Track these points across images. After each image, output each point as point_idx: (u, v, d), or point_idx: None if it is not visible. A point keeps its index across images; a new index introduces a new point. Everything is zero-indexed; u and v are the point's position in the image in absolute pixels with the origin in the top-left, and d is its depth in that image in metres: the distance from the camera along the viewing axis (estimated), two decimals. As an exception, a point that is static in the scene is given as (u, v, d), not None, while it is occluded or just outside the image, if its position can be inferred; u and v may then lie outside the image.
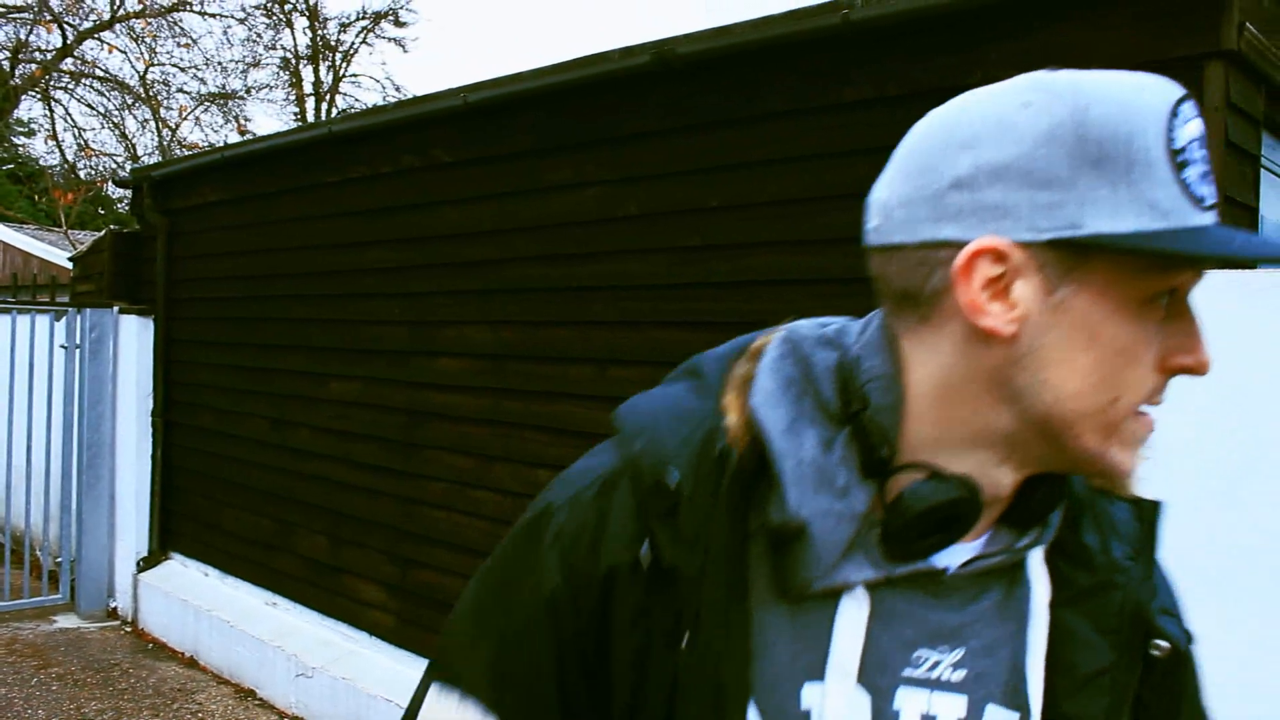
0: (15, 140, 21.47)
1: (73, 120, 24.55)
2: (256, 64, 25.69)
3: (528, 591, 0.87)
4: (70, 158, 23.16)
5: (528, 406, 4.61)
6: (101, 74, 23.40)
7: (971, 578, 0.87)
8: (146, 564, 7.31)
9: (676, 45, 3.77)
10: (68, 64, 22.89)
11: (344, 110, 25.06)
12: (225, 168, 6.71)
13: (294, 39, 26.00)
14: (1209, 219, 0.77)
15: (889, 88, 3.29)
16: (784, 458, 0.83)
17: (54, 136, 23.56)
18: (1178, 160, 0.75)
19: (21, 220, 16.11)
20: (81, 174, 22.14)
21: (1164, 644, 0.90)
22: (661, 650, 0.82)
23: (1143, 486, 0.85)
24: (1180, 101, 0.77)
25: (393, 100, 18.93)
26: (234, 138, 22.63)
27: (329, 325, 5.86)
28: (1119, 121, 0.75)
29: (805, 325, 0.91)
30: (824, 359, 0.87)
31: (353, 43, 26.52)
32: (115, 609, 7.52)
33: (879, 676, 0.83)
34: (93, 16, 22.68)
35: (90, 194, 18.58)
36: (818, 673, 0.82)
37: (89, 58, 23.32)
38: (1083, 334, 0.77)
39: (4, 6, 22.27)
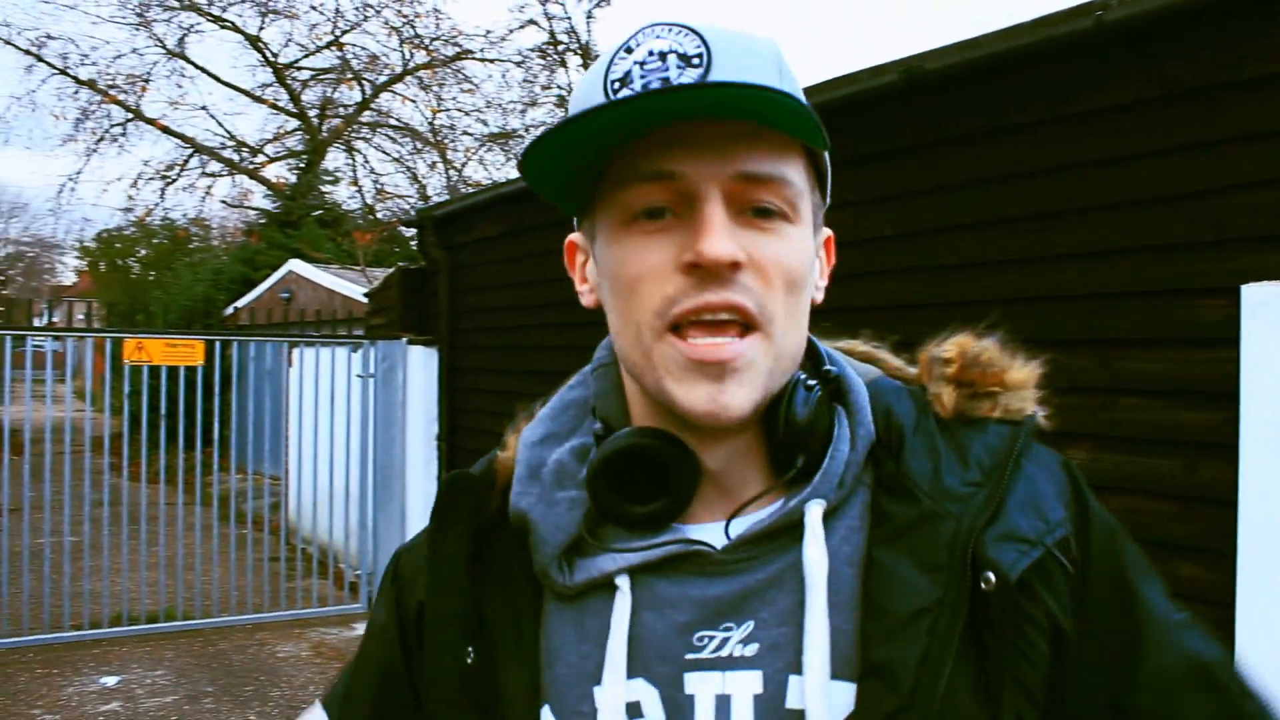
0: (322, 188, 23.57)
1: (370, 167, 26.65)
2: (534, 103, 26.97)
3: (372, 626, 0.98)
4: (369, 201, 25.20)
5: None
6: (395, 123, 25.35)
7: (751, 547, 0.82)
8: (433, 578, 7.80)
9: (925, 61, 3.71)
10: (366, 116, 24.94)
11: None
12: (499, 204, 7.12)
13: (568, 77, 27.10)
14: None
15: (1148, 90, 3.11)
16: (521, 464, 0.90)
17: (355, 183, 25.71)
18: (613, 89, 0.78)
19: (327, 261, 17.64)
20: (379, 216, 24.02)
21: (990, 576, 0.76)
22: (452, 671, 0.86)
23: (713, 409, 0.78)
24: (635, 34, 0.80)
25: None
26: (514, 175, 23.87)
27: (592, 352, 6.08)
28: (579, 86, 0.84)
29: (596, 350, 0.97)
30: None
31: (621, 77, 27.34)
32: (406, 619, 8.06)
33: (661, 665, 0.80)
34: (387, 71, 24.62)
35: (385, 234, 20.12)
36: (601, 675, 0.81)
37: (384, 108, 25.32)
38: (606, 279, 0.84)
39: (313, 70, 24.56)
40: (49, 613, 7.01)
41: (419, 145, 25.67)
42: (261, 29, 23.69)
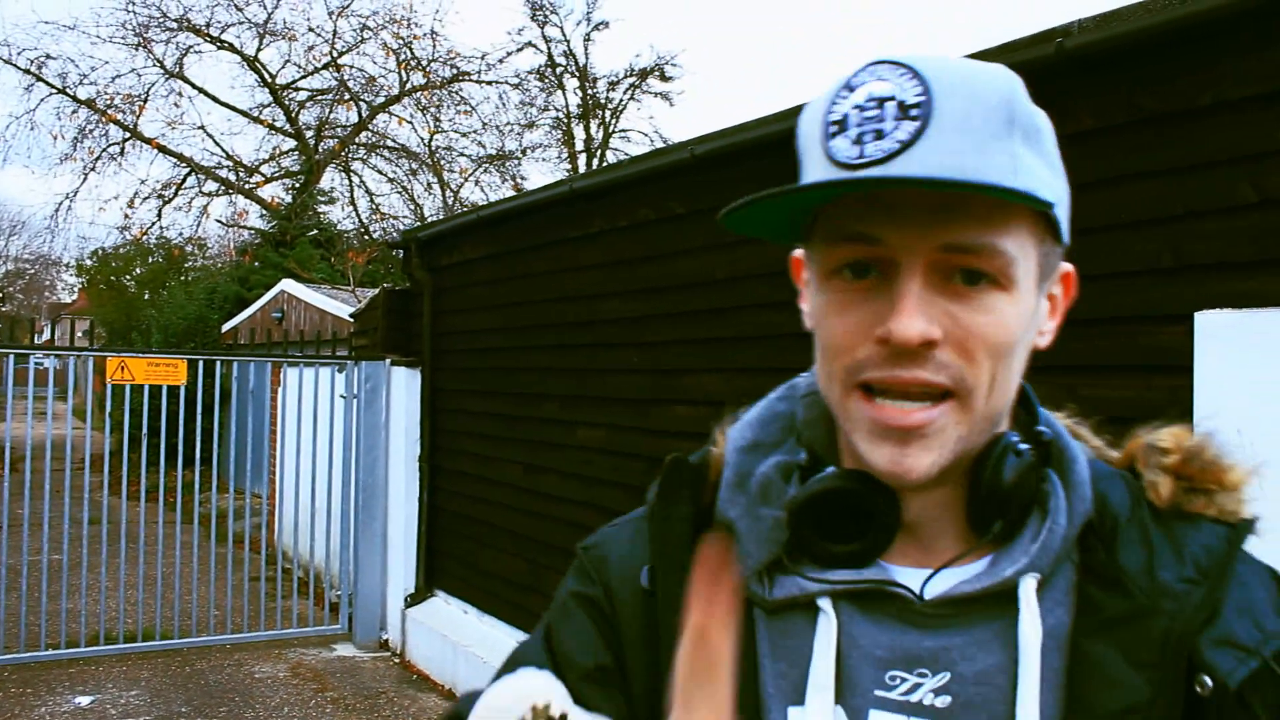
0: (318, 208, 23.64)
1: (366, 187, 26.72)
2: (531, 125, 27.10)
3: (569, 599, 0.95)
4: (364, 222, 25.26)
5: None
6: (391, 144, 25.45)
7: (957, 604, 0.81)
8: (413, 600, 7.78)
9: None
10: (363, 137, 25.04)
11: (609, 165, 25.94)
12: (482, 226, 7.14)
13: (565, 99, 27.22)
14: (858, 175, 0.74)
15: (1109, 117, 3.12)
16: (728, 468, 0.90)
17: (351, 203, 25.79)
18: (830, 133, 0.77)
19: (319, 281, 17.66)
20: (375, 236, 24.07)
21: (1207, 680, 0.75)
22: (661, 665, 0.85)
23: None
24: (859, 71, 0.77)
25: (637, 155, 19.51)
26: (503, 195, 23.92)
27: (575, 374, 6.09)
28: (805, 120, 0.81)
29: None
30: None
31: (621, 99, 27.53)
32: (386, 640, 8.04)
33: (850, 697, 0.80)
34: (384, 93, 24.73)
35: (376, 255, 20.16)
36: (800, 695, 0.81)
37: (380, 129, 25.43)
38: (812, 321, 0.84)
39: (310, 91, 24.67)
40: (26, 631, 6.98)
41: (415, 166, 25.77)
42: (259, 50, 23.84)
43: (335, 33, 24.32)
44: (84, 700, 6.40)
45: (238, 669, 7.21)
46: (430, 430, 7.80)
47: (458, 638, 6.96)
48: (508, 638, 6.63)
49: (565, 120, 27.58)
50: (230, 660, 7.39)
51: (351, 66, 24.40)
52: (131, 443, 10.51)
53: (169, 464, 8.09)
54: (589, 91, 27.42)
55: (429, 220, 23.82)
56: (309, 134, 24.62)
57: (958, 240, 0.75)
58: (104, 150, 23.27)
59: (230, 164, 24.71)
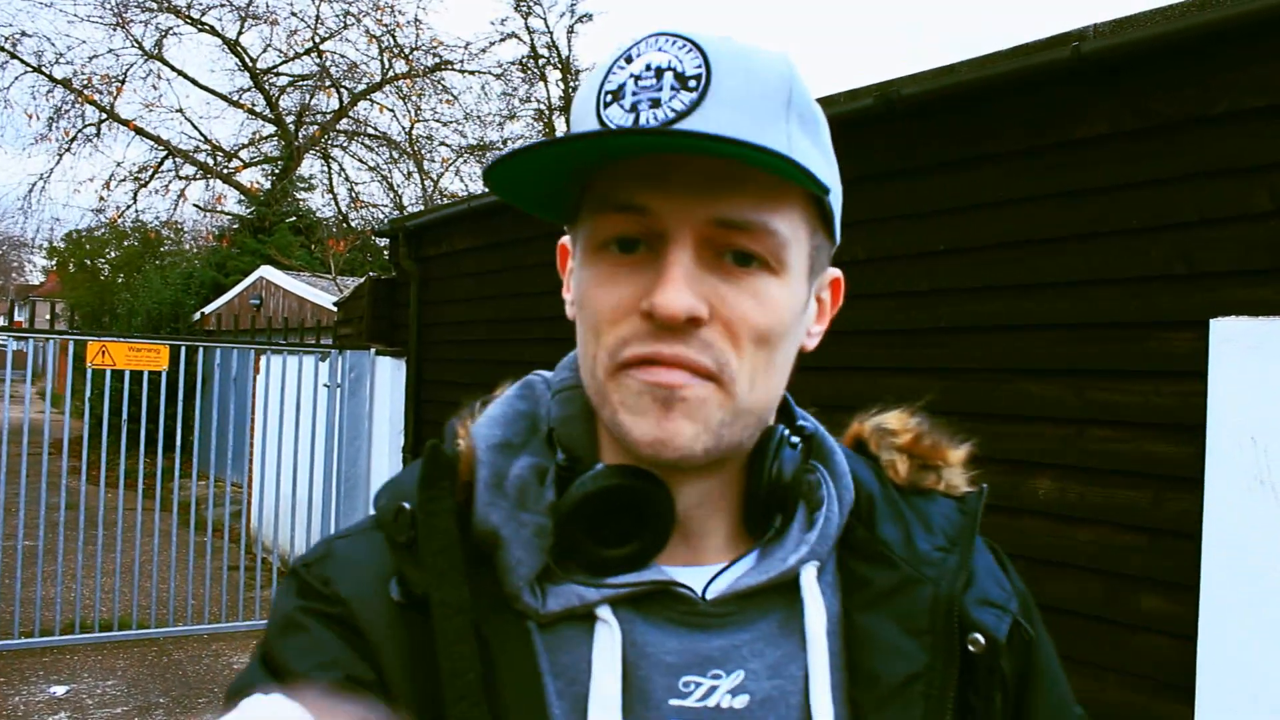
0: (297, 195, 23.46)
1: (346, 175, 26.56)
2: (513, 116, 26.99)
3: (296, 616, 0.81)
4: (343, 209, 25.09)
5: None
6: (372, 131, 25.28)
7: (739, 600, 0.79)
8: (395, 592, 7.72)
9: (901, 86, 3.70)
10: (343, 124, 24.86)
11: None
12: (472, 217, 7.08)
13: (547, 91, 27.13)
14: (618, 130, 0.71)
15: (1124, 122, 3.11)
16: (483, 466, 0.81)
17: (330, 190, 25.59)
18: (604, 102, 0.73)
19: (299, 268, 17.53)
20: (353, 224, 23.92)
21: (979, 638, 0.79)
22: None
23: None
24: (638, 42, 0.75)
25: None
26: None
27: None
28: (580, 91, 0.77)
29: (557, 367, 0.90)
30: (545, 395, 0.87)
31: (602, 94, 27.41)
32: (366, 633, 7.96)
33: (644, 709, 0.75)
34: (365, 80, 24.55)
35: (358, 243, 20.03)
36: (583, 713, 0.74)
37: (361, 117, 25.25)
38: (577, 302, 0.78)
39: (291, 76, 24.47)
40: (-1, 618, 6.88)
41: (396, 155, 25.61)
42: (240, 33, 23.61)
43: (318, 18, 24.22)
44: (59, 690, 6.30)
45: (216, 659, 7.13)
46: (415, 421, 7.74)
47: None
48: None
49: (547, 112, 27.50)
50: (208, 650, 7.31)
51: (334, 53, 24.23)
52: (100, 427, 10.34)
53: (146, 450, 7.98)
54: (571, 84, 27.35)
55: (408, 209, 23.71)
56: (289, 120, 24.42)
57: (731, 215, 0.72)
58: (79, 131, 22.98)
59: (209, 148, 24.47)
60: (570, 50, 27.38)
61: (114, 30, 22.63)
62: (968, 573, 0.83)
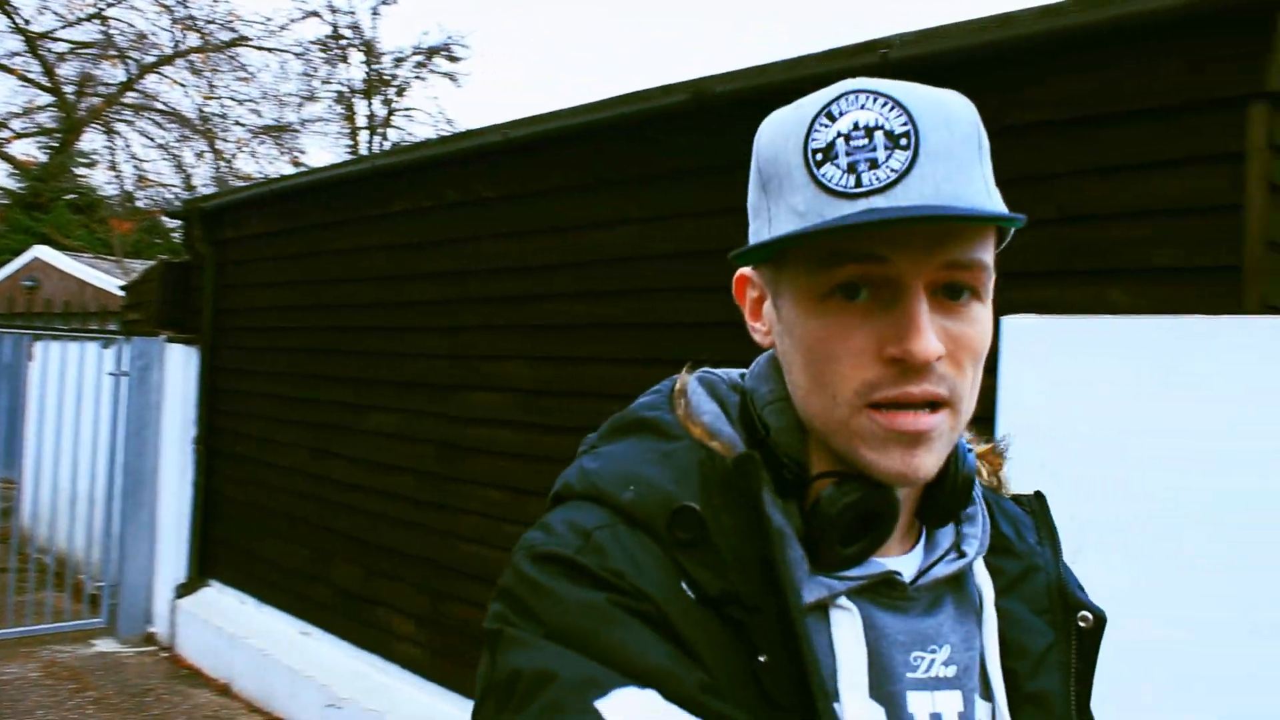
0: (76, 171, 21.99)
1: (132, 151, 25.06)
2: (312, 97, 26.10)
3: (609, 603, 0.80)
4: (128, 188, 23.71)
5: (564, 442, 4.59)
6: (162, 107, 23.97)
7: (935, 586, 0.91)
8: (185, 590, 7.36)
9: (713, 84, 3.77)
10: (130, 97, 23.47)
11: (396, 143, 25.43)
12: (272, 200, 6.81)
13: (349, 73, 26.39)
14: (866, 204, 0.77)
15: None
16: (765, 469, 0.89)
17: (114, 167, 24.13)
18: (815, 160, 0.80)
19: (79, 249, 16.45)
20: (139, 204, 22.61)
21: (1089, 615, 0.96)
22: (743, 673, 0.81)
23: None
24: (836, 99, 0.80)
25: (444, 134, 19.17)
26: (288, 170, 23.03)
27: (371, 357, 5.90)
28: (771, 142, 0.84)
29: (712, 371, 0.98)
30: (733, 400, 0.94)
31: (406, 77, 26.90)
32: (153, 634, 7.57)
33: (888, 684, 0.85)
34: (155, 52, 23.26)
35: (145, 224, 18.95)
36: (833, 687, 0.83)
37: (150, 91, 23.90)
38: (793, 337, 0.85)
39: (72, 43, 22.93)
40: None
41: (187, 132, 24.36)
42: (13, -6, 21.92)
43: (103, -18, 22.67)
44: None
45: (-17, 667, 6.62)
46: (208, 411, 7.39)
47: (235, 629, 6.63)
48: (288, 628, 6.37)
49: (348, 94, 26.75)
50: (-26, 658, 6.79)
51: (120, 20, 22.85)
52: None
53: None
54: (373, 66, 26.69)
55: (198, 190, 22.60)
56: (68, 90, 22.87)
57: (958, 258, 0.80)
58: None
59: (-25, 116, 22.66)
60: (374, 32, 26.71)
61: None
62: (1060, 561, 0.98)
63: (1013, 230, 0.87)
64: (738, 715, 0.77)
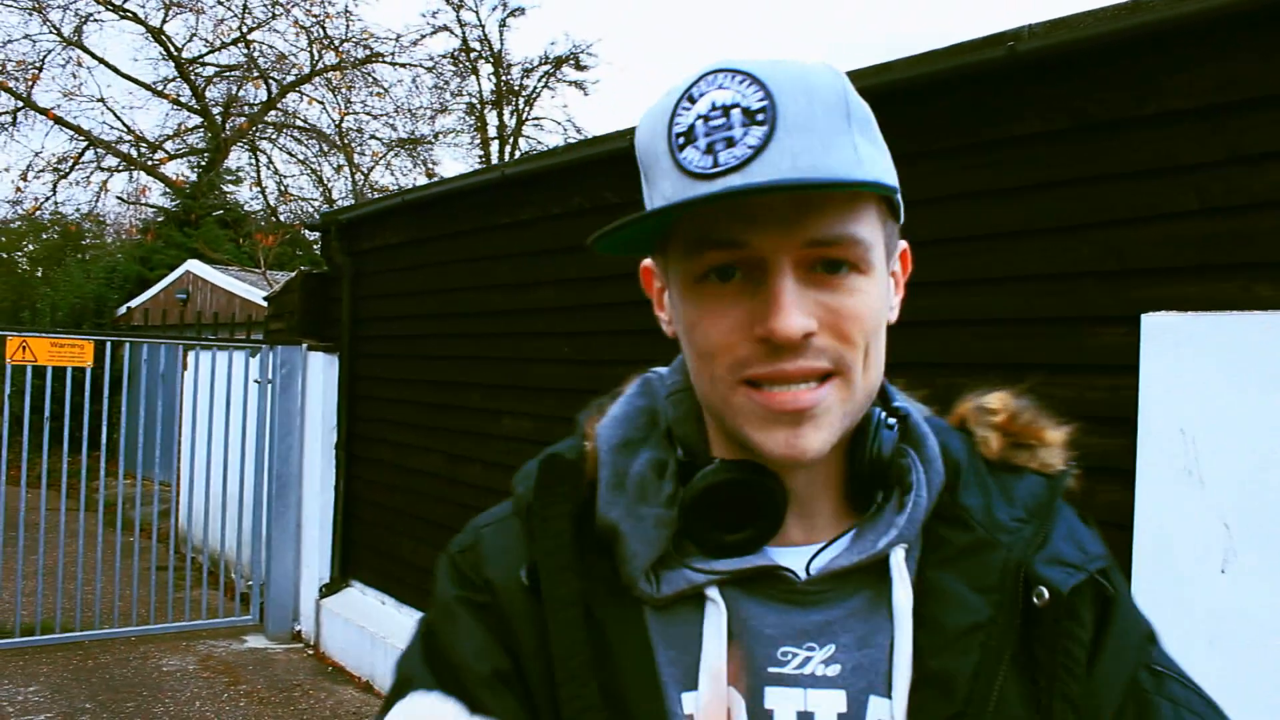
0: (224, 188, 22.99)
1: (275, 168, 26.08)
2: (444, 110, 26.74)
3: (449, 601, 0.93)
4: (271, 202, 24.67)
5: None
6: (301, 124, 24.89)
7: (835, 579, 0.87)
8: (328, 590, 7.62)
9: (840, 83, 3.73)
10: (271, 116, 24.44)
11: (526, 153, 25.86)
12: (406, 211, 7.00)
13: (479, 85, 26.96)
14: (724, 183, 0.77)
15: (1057, 121, 3.17)
16: (604, 467, 0.91)
17: (258, 183, 25.15)
18: (678, 145, 0.80)
19: (227, 262, 17.18)
20: (281, 218, 23.51)
21: (1044, 591, 0.84)
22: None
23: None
24: (697, 81, 0.80)
25: (572, 142, 19.39)
26: (422, 181, 23.62)
27: (502, 363, 6.01)
28: (643, 131, 0.84)
29: (658, 370, 1.00)
30: (661, 394, 0.96)
31: (535, 87, 27.34)
32: (299, 632, 7.86)
33: (749, 678, 0.84)
34: (294, 71, 24.17)
35: (287, 237, 19.69)
36: (693, 680, 0.84)
37: (290, 109, 24.84)
38: (680, 323, 0.86)
39: (218, 66, 23.99)
40: (-84, 623, 6.66)
41: (325, 148, 25.25)
42: (165, 21, 23.08)
43: (245, 7, 23.66)
44: (-20, 695, 6.13)
45: (144, 662, 6.98)
46: (348, 417, 7.64)
47: (375, 629, 6.84)
48: (427, 629, 6.50)
49: (478, 106, 27.31)
50: (135, 653, 7.15)
51: (261, 43, 23.81)
52: (19, 425, 10.07)
53: (69, 449, 7.77)
54: (503, 78, 27.19)
55: (338, 202, 23.38)
56: (216, 111, 23.94)
57: (819, 235, 0.79)
58: (-6, 119, 22.30)
59: (132, 139, 23.90)
60: (502, 43, 27.22)
61: (30, 15, 21.98)
62: (1043, 538, 0.88)
63: (899, 200, 0.86)
64: (501, 707, 0.85)
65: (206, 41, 24.00)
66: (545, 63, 26.91)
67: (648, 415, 0.96)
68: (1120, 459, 2.93)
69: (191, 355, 8.45)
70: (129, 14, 22.70)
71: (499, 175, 5.94)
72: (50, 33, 22.21)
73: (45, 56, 22.44)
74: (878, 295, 0.84)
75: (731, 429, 0.85)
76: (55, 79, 32.42)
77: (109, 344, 7.43)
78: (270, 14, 23.66)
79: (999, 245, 3.37)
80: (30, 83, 22.35)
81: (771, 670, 0.84)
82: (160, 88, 23.86)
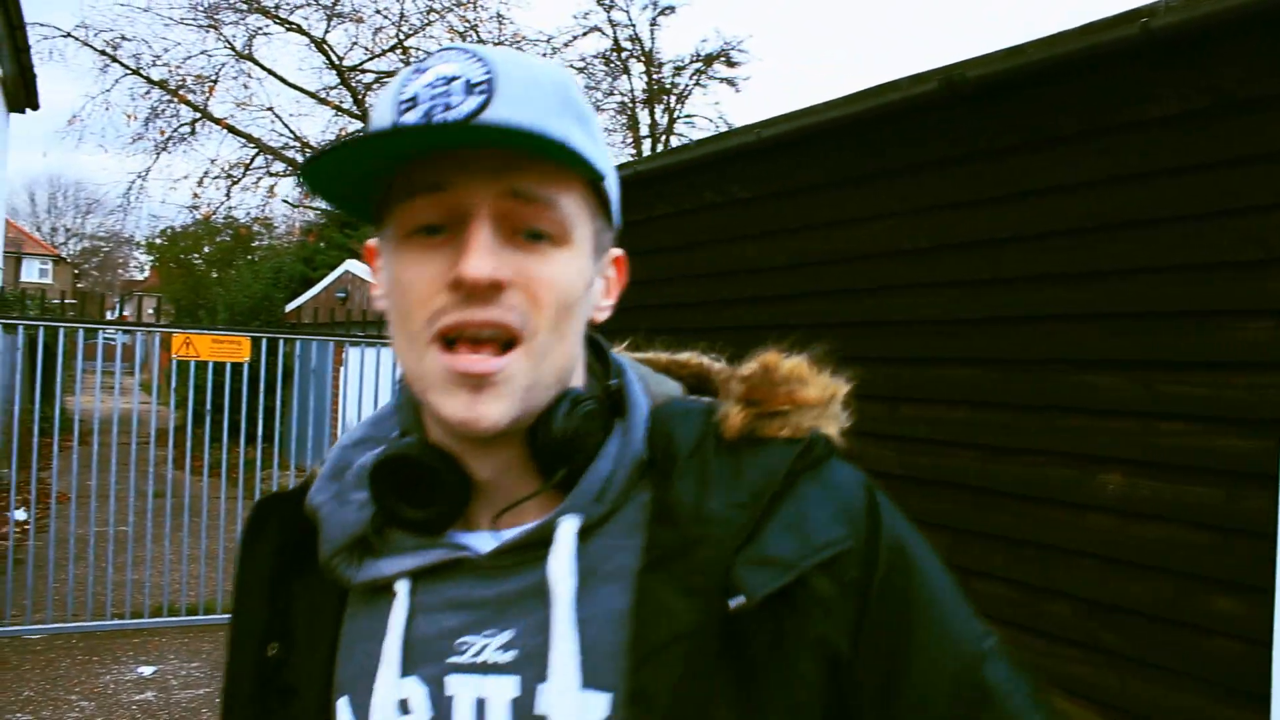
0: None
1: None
2: (596, 109, 27.04)
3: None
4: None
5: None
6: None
7: (510, 556, 0.85)
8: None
9: (966, 69, 3.62)
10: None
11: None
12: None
13: (630, 84, 27.16)
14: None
15: (1195, 101, 3.00)
16: (328, 462, 0.95)
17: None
18: (401, 110, 0.81)
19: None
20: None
21: (742, 598, 0.77)
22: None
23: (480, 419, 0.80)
24: (428, 57, 0.84)
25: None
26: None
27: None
28: (378, 105, 0.85)
29: None
30: None
31: (686, 85, 27.38)
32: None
33: (430, 666, 0.85)
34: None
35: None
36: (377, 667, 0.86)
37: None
38: (388, 289, 0.85)
39: (377, 73, 24.86)
40: (93, 601, 7.12)
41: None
42: (327, 31, 24.03)
43: (402, 15, 24.42)
44: (146, 670, 6.51)
45: (296, 644, 7.29)
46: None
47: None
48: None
49: (630, 105, 27.51)
50: (289, 635, 7.47)
51: (418, 49, 24.54)
52: (196, 418, 10.66)
53: (232, 440, 8.20)
54: (654, 76, 27.32)
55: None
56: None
57: (522, 187, 0.80)
58: (175, 130, 23.63)
59: (297, 145, 24.99)
60: (653, 42, 27.38)
61: (206, 32, 23.21)
62: (749, 530, 0.80)
63: (611, 196, 0.87)
64: (237, 691, 0.93)
65: (366, 49, 24.89)
66: (696, 60, 26.93)
67: (404, 412, 0.95)
68: (1262, 462, 2.75)
69: (345, 351, 8.79)
70: (294, 26, 23.73)
71: (631, 173, 5.97)
72: (224, 47, 23.43)
73: (220, 69, 23.66)
74: (576, 272, 0.83)
75: (422, 398, 0.84)
76: (228, 90, 34.16)
77: (264, 340, 7.78)
78: (425, 20, 24.36)
79: (1136, 234, 3.21)
80: (207, 95, 23.62)
81: (452, 660, 0.84)
82: (323, 95, 24.88)
